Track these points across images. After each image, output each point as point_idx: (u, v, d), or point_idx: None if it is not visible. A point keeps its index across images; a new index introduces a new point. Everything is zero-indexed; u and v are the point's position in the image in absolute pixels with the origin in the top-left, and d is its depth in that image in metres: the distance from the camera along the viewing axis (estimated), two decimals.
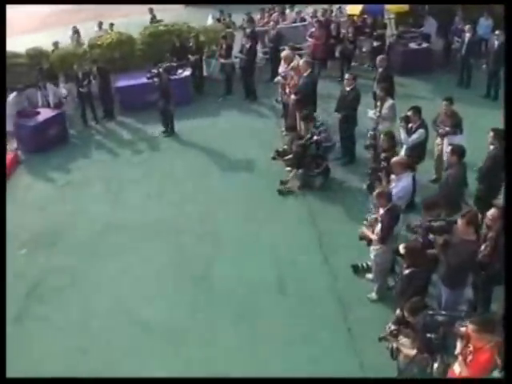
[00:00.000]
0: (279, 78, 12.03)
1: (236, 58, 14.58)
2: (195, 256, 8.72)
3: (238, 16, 17.61)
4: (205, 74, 15.85)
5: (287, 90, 11.43)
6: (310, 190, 9.97)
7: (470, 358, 4.78)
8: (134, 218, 9.92)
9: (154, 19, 18.22)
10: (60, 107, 13.79)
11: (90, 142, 13.38)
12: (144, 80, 14.09)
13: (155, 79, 12.66)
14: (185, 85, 14.46)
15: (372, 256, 7.00)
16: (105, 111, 14.39)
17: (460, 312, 5.06)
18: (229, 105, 14.41)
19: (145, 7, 19.07)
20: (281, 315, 7.34)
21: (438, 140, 9.32)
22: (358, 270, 7.76)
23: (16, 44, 16.20)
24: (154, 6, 18.78)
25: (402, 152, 8.78)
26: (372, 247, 6.95)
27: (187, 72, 14.61)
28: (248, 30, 15.14)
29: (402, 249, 5.93)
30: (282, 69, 12.03)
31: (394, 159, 7.27)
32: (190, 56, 14.82)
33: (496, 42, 12.59)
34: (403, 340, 5.62)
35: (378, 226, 6.64)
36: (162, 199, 10.51)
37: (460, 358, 4.86)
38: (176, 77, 14.06)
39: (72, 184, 11.49)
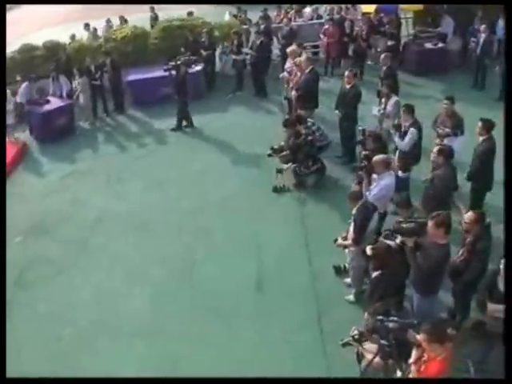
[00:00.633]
0: (285, 73, 11.97)
1: (247, 54, 14.46)
2: (181, 250, 8.70)
3: (256, 13, 17.47)
4: (218, 69, 15.80)
5: (290, 86, 11.31)
6: (304, 187, 9.82)
7: (422, 367, 4.58)
8: (128, 210, 9.98)
9: (155, 18, 18.16)
10: (71, 98, 13.96)
11: (98, 134, 13.52)
12: (155, 74, 14.22)
13: (173, 72, 12.57)
14: (197, 79, 14.41)
15: (348, 259, 6.80)
16: (115, 104, 14.50)
17: (412, 320, 4.82)
18: (238, 101, 14.33)
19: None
20: (257, 314, 7.23)
21: (438, 141, 9.00)
22: (339, 271, 7.57)
23: (39, 37, 16.52)
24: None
25: (397, 154, 8.59)
26: (347, 251, 6.75)
27: (199, 67, 14.57)
28: (261, 27, 15.01)
29: (369, 250, 5.72)
30: (287, 64, 11.96)
31: (375, 158, 7.04)
32: (202, 51, 14.78)
33: None
34: (368, 345, 5.43)
35: (351, 227, 6.44)
36: (159, 193, 10.51)
37: (413, 367, 4.66)
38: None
39: (74, 174, 11.61)
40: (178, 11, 17.84)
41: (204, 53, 14.78)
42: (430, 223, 5.44)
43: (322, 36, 15.38)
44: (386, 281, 5.65)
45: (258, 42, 13.98)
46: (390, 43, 14.53)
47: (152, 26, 17.02)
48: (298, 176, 9.70)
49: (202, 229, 9.20)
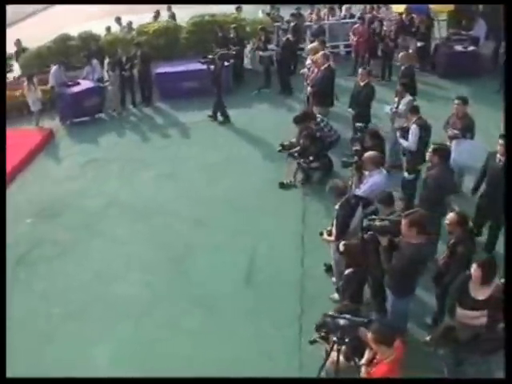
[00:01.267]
0: (305, 69, 11.96)
1: (272, 50, 14.44)
2: (178, 240, 8.77)
3: (290, 11, 17.37)
4: (249, 66, 15.84)
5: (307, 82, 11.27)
6: (310, 184, 9.79)
7: (373, 369, 4.44)
8: (136, 198, 10.14)
9: (172, 17, 18.26)
10: (101, 82, 14.33)
11: (123, 124, 13.78)
12: (183, 68, 14.37)
13: (211, 66, 12.63)
14: (225, 75, 14.48)
15: (332, 256, 6.67)
16: (143, 96, 14.73)
17: (363, 318, 4.64)
18: (262, 97, 14.32)
19: None
20: (241, 308, 7.18)
21: (448, 143, 8.71)
22: (330, 269, 7.42)
23: (79, 30, 16.93)
24: None
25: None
26: (331, 247, 6.62)
27: (227, 62, 14.62)
28: (290, 24, 14.94)
29: (341, 247, 5.59)
30: (308, 61, 11.90)
31: (366, 155, 6.87)
32: (231, 46, 14.84)
33: None
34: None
35: (334, 223, 6.31)
36: (169, 183, 10.62)
37: (363, 368, 4.52)
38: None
39: (94, 162, 11.87)
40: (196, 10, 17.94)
41: (233, 48, 14.84)
42: (403, 222, 5.25)
43: (351, 35, 15.17)
44: (357, 279, 5.51)
45: (284, 39, 13.91)
46: (419, 44, 14.17)
47: None
48: (305, 171, 9.60)
49: (203, 220, 9.22)
